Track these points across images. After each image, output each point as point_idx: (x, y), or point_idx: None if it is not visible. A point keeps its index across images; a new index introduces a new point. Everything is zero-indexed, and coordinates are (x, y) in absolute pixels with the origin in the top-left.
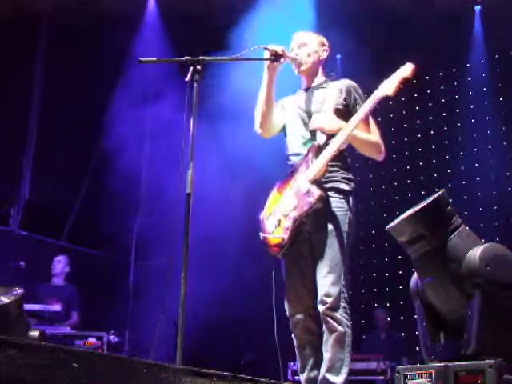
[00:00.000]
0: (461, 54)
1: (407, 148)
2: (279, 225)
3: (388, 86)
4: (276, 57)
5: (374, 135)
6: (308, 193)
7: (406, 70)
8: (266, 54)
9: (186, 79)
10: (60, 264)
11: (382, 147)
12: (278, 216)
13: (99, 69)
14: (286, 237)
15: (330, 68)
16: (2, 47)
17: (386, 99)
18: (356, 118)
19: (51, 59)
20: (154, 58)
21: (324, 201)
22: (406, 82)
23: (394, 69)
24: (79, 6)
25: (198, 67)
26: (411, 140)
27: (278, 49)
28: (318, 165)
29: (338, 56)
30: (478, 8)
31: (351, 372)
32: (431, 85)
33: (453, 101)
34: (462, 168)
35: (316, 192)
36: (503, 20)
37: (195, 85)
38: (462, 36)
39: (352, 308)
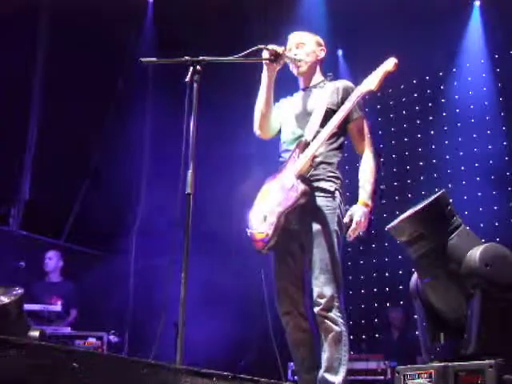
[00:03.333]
0: (461, 54)
1: (407, 148)
2: (265, 220)
3: (371, 81)
4: (276, 57)
5: (369, 164)
6: (292, 188)
7: (389, 64)
8: (266, 54)
9: (186, 79)
10: (52, 260)
11: (374, 160)
12: (264, 212)
13: (100, 68)
14: (270, 232)
15: (331, 64)
16: (2, 47)
17: (384, 99)
18: (341, 113)
19: (52, 59)
20: (155, 59)
21: (310, 198)
22: (388, 75)
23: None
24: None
25: (198, 67)
26: (411, 140)
27: (279, 49)
28: (303, 161)
29: (340, 52)
30: (477, 3)
31: (351, 372)
32: (431, 85)
33: (453, 101)
34: (462, 168)
35: (300, 187)
36: (503, 20)
37: (195, 85)
38: (462, 36)
39: (352, 308)
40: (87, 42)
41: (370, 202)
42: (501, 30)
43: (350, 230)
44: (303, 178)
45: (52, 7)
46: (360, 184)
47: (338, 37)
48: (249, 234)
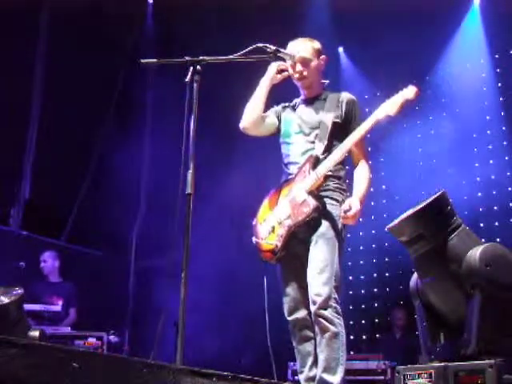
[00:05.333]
0: (461, 54)
1: (407, 148)
2: (273, 231)
3: (390, 107)
4: (275, 55)
5: (365, 173)
6: (304, 203)
7: (410, 92)
8: (273, 68)
9: (186, 79)
10: (47, 262)
11: (370, 173)
12: (271, 223)
13: (100, 68)
14: (279, 244)
15: (331, 62)
16: (2, 46)
17: (384, 99)
18: (356, 135)
19: (52, 59)
20: (154, 60)
21: (321, 211)
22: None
23: (390, 69)
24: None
25: (198, 67)
26: (411, 140)
27: (273, 48)
28: (316, 177)
29: (341, 49)
30: (476, 3)
31: (351, 372)
32: (431, 85)
33: (453, 101)
34: (462, 168)
35: (312, 203)
36: (503, 20)
37: (195, 85)
38: (462, 36)
39: (352, 308)
40: (87, 42)
41: (363, 201)
42: (501, 30)
43: (346, 215)
44: (314, 193)
45: (52, 7)
46: (355, 184)
47: (338, 34)
48: (254, 243)
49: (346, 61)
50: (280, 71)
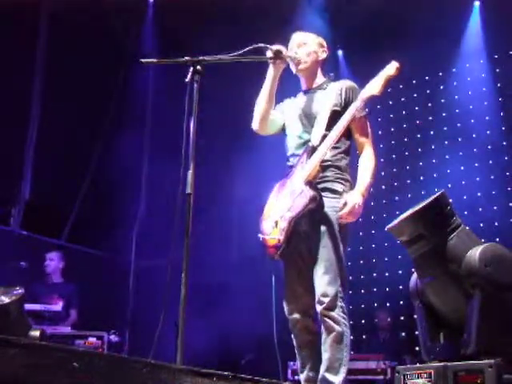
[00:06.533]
0: (460, 54)
1: (407, 148)
2: (276, 226)
3: (374, 86)
4: (276, 56)
5: (370, 159)
6: (301, 194)
7: (391, 68)
8: (270, 54)
9: (186, 79)
10: (53, 261)
11: (375, 158)
12: (275, 217)
13: (101, 68)
14: (281, 238)
15: (331, 65)
16: (2, 46)
17: (384, 98)
18: (342, 124)
19: (52, 59)
20: (155, 60)
21: (318, 201)
22: (391, 80)
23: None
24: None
25: (198, 67)
26: (411, 140)
27: (281, 49)
28: (311, 166)
29: (340, 52)
30: (477, 4)
31: (351, 372)
32: (431, 85)
33: (452, 101)
34: (462, 168)
35: (309, 193)
36: (503, 20)
37: (195, 85)
38: (461, 36)
39: (352, 308)
40: (87, 42)
41: (365, 194)
42: (500, 30)
43: (341, 214)
44: (311, 183)
45: (52, 7)
46: (358, 174)
47: (338, 37)
48: (261, 240)
49: (346, 64)
50: (277, 54)
